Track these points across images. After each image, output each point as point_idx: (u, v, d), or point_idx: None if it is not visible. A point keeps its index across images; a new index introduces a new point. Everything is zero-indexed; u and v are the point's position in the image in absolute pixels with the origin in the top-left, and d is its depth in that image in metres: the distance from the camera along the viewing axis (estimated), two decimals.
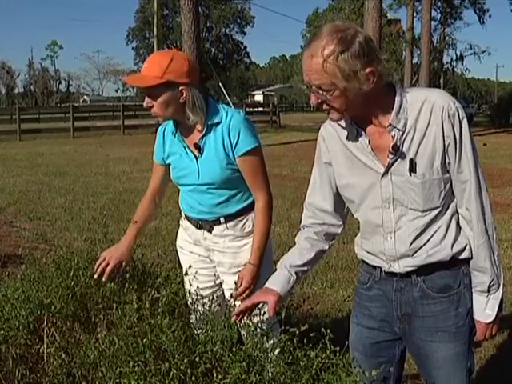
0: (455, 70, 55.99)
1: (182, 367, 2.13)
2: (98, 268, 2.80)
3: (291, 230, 8.29)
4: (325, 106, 2.08)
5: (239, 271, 2.91)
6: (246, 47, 74.41)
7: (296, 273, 2.35)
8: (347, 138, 2.19)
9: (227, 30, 71.56)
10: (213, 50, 64.61)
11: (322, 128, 2.33)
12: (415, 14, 43.20)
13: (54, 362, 2.30)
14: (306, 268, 2.40)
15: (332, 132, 2.26)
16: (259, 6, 64.21)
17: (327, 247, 2.43)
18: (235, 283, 2.85)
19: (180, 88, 2.72)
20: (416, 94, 2.11)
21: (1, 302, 2.70)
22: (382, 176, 2.13)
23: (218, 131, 2.80)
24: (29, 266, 3.07)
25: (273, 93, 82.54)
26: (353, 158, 2.19)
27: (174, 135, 2.90)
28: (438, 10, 51.89)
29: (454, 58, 54.87)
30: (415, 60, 45.73)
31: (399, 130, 2.06)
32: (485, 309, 2.19)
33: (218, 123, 2.80)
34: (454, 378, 2.25)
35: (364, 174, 2.17)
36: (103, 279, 2.77)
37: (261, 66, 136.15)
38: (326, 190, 2.34)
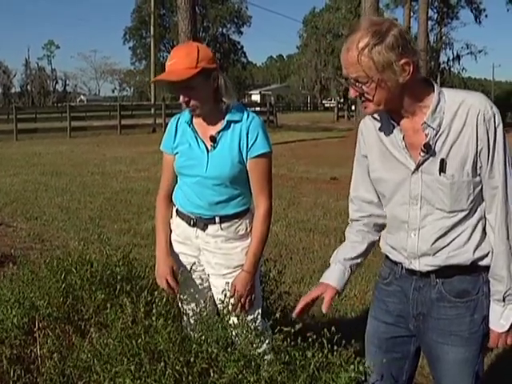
0: (452, 69, 56.05)
1: (177, 367, 2.13)
2: (169, 290, 2.87)
3: (288, 229, 8.30)
4: (362, 99, 2.10)
5: (229, 273, 2.89)
6: (242, 47, 74.59)
7: (350, 266, 2.42)
8: (383, 133, 2.22)
9: (224, 30, 71.66)
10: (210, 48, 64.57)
11: (361, 122, 2.37)
12: (412, 14, 43.13)
13: (48, 363, 2.30)
14: (359, 260, 2.45)
15: (370, 126, 2.29)
16: (256, 6, 64.29)
17: (377, 238, 2.46)
18: (226, 288, 2.81)
19: (213, 74, 2.75)
20: (454, 94, 2.11)
21: None
22: (413, 173, 2.14)
23: (236, 129, 2.81)
24: (22, 267, 3.06)
25: (270, 92, 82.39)
26: (386, 153, 2.21)
27: (189, 125, 2.88)
28: (435, 10, 51.99)
29: (451, 58, 54.99)
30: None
31: (433, 128, 2.08)
32: (500, 318, 2.17)
33: (238, 121, 2.81)
34: (461, 382, 2.26)
35: (396, 169, 2.19)
36: (176, 292, 2.88)
37: (258, 65, 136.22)
38: (368, 182, 2.36)
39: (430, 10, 42.05)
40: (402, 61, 1.98)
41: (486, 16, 54.15)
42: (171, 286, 2.86)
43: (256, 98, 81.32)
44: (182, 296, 2.89)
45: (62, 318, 2.68)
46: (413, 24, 42.38)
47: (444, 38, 53.57)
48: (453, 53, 54.93)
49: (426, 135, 2.08)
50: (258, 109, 35.39)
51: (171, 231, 3.02)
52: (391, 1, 45.58)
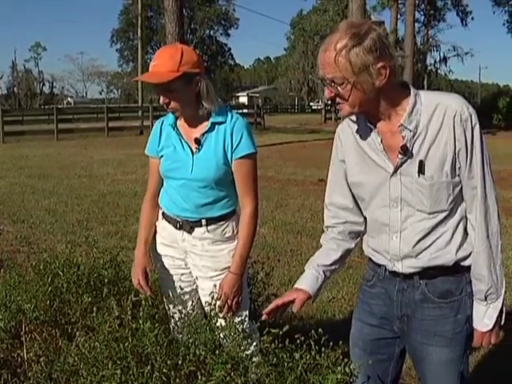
0: (439, 71, 56.40)
1: (164, 370, 2.12)
2: (141, 290, 2.86)
3: (276, 231, 8.30)
4: (337, 100, 2.09)
5: (216, 276, 2.88)
6: (230, 49, 74.66)
7: (324, 272, 2.40)
8: (360, 136, 2.22)
9: (211, 32, 71.71)
10: (197, 51, 64.69)
11: (338, 126, 2.37)
12: (399, 16, 43.31)
13: (35, 367, 2.28)
14: (333, 267, 2.43)
15: (347, 130, 2.29)
16: (243, 8, 64.34)
17: (353, 246, 2.45)
18: (214, 291, 2.81)
19: (195, 78, 2.73)
20: (430, 96, 2.12)
21: None
22: (392, 175, 2.14)
23: (220, 130, 2.80)
24: (8, 270, 3.05)
25: (257, 94, 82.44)
26: (364, 156, 2.21)
27: (173, 128, 2.88)
28: (422, 12, 52.26)
29: (438, 60, 55.34)
30: (399, 62, 45.80)
31: (410, 130, 2.08)
32: (483, 317, 2.18)
33: (222, 123, 2.80)
34: (446, 382, 2.27)
35: (374, 172, 2.18)
36: (148, 294, 2.82)
37: (245, 67, 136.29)
38: (344, 188, 2.35)
39: (416, 13, 42.28)
40: (379, 64, 1.99)
41: (473, 18, 54.72)
42: (142, 286, 2.87)
43: (243, 99, 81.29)
44: (168, 299, 2.89)
45: (48, 322, 2.67)
46: (400, 26, 42.61)
47: (431, 40, 53.88)
48: (439, 55, 55.41)
49: (403, 137, 2.08)
50: (245, 111, 35.45)
51: (156, 233, 3.03)
52: (378, 3, 45.69)
